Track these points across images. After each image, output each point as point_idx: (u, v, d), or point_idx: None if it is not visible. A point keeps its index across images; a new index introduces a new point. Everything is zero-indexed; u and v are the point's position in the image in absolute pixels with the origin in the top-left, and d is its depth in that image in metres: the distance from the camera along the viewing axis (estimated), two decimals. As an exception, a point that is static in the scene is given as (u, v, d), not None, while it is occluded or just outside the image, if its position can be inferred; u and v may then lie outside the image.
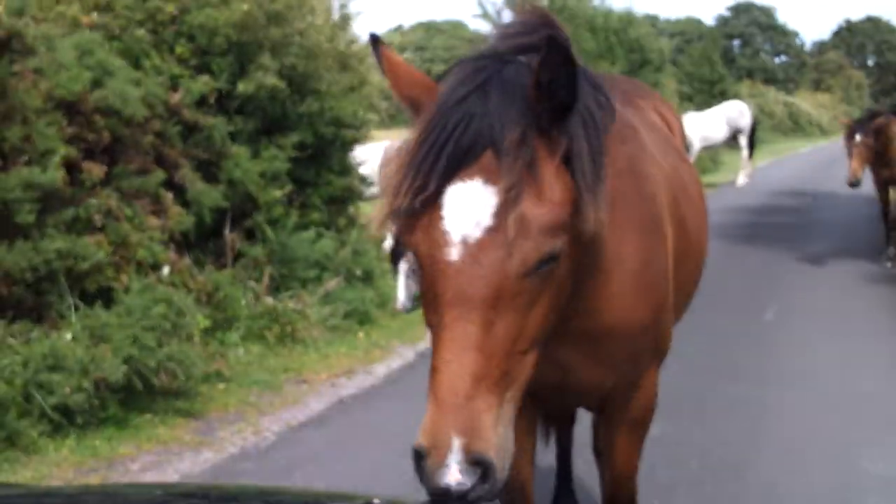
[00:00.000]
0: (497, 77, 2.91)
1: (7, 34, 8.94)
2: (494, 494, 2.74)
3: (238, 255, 12.07)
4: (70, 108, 9.57)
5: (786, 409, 9.08)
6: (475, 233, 2.75)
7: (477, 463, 2.66)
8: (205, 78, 11.71)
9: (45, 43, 9.42)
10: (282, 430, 8.89)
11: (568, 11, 30.92)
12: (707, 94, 46.02)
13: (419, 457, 2.72)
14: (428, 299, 2.90)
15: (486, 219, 2.76)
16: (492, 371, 2.76)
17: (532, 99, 2.86)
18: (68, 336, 8.47)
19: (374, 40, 3.16)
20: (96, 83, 9.82)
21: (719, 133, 29.71)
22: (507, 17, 3.18)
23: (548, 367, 3.68)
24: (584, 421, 6.05)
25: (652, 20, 63.86)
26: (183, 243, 11.12)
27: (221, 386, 9.85)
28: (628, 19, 32.91)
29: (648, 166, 3.96)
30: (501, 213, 2.74)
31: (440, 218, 2.80)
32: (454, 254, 2.77)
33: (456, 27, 74.18)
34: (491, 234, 2.75)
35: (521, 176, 2.75)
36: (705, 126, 29.02)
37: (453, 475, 2.63)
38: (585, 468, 6.65)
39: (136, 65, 11.16)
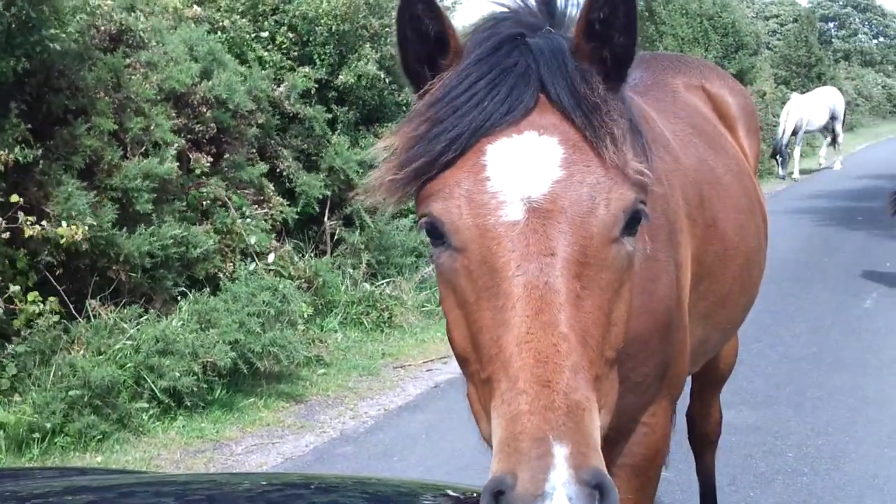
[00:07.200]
0: (534, 38, 2.33)
1: (118, 29, 9.25)
2: None
3: (336, 243, 12.30)
4: (178, 100, 9.87)
5: (885, 398, 8.93)
6: (543, 186, 2.14)
7: (591, 484, 1.81)
8: (307, 70, 11.98)
9: (156, 36, 9.71)
10: (379, 415, 9.05)
11: (663, -4, 30.68)
12: (804, 76, 45.32)
13: (500, 489, 1.83)
14: (470, 287, 2.15)
15: (555, 169, 2.16)
16: (585, 364, 1.99)
17: (581, 54, 2.29)
18: (178, 321, 8.71)
19: None
20: (204, 75, 10.10)
21: (821, 118, 29.41)
22: None
23: None
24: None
25: (747, 3, 62.88)
26: (283, 231, 11.38)
27: (322, 370, 10.08)
28: (723, 3, 32.45)
29: (657, 163, 3.22)
30: (576, 159, 2.17)
31: (485, 178, 2.16)
32: (515, 213, 2.12)
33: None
34: (564, 186, 2.14)
35: (595, 122, 2.20)
36: (809, 109, 28.77)
37: (561, 498, 1.76)
38: None
39: (241, 57, 11.45)
